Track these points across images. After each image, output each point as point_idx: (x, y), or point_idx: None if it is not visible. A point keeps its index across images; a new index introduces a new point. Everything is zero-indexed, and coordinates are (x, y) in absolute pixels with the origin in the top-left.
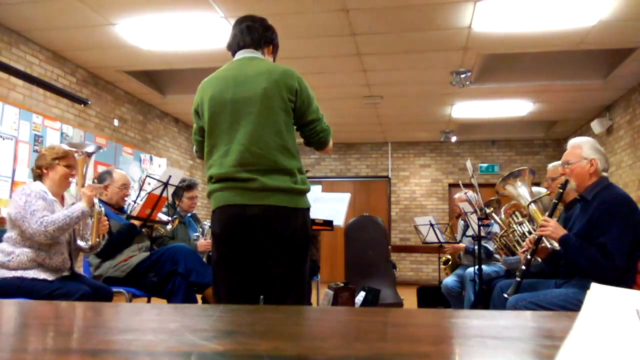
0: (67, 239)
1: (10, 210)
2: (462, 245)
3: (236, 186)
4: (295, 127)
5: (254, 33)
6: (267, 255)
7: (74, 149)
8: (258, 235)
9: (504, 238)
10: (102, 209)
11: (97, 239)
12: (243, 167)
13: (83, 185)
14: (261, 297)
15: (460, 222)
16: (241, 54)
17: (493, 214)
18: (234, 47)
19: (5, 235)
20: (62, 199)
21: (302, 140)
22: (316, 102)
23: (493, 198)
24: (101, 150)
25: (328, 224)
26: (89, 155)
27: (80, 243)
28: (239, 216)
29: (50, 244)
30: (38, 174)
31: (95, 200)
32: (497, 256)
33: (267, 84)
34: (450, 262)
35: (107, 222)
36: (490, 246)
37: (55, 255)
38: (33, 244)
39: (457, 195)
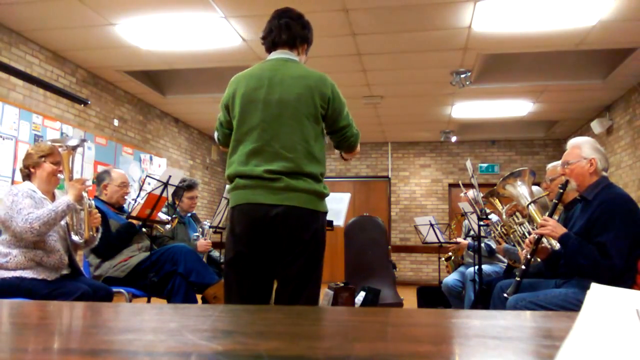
0: (62, 235)
1: (0, 212)
2: (465, 242)
3: (260, 184)
4: (325, 132)
5: (291, 31)
6: (284, 256)
7: (57, 144)
8: (279, 236)
9: (504, 227)
10: (93, 201)
11: (90, 232)
12: (269, 168)
13: (70, 179)
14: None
15: (465, 221)
16: (277, 54)
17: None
18: (269, 43)
19: (0, 238)
20: (52, 197)
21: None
22: (347, 107)
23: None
24: (85, 144)
25: (328, 224)
26: (74, 148)
27: (75, 238)
28: (261, 216)
29: (44, 241)
30: (26, 174)
31: (85, 194)
32: (499, 256)
33: (301, 90)
34: (452, 259)
35: (98, 214)
36: (493, 244)
37: (52, 253)
38: (28, 244)
39: (467, 194)
